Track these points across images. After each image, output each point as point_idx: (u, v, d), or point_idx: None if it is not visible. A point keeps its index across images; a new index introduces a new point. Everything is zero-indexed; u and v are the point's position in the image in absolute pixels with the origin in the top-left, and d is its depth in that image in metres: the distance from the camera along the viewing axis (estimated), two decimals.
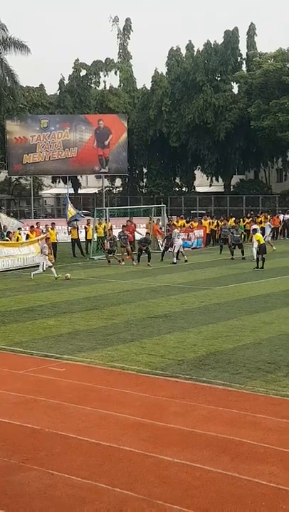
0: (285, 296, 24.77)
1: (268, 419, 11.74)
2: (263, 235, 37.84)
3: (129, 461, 10.00)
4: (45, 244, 32.88)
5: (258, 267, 32.87)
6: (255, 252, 33.87)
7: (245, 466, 9.77)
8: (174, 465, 9.84)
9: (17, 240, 36.64)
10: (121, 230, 39.21)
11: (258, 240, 33.45)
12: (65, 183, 76.44)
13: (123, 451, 10.36)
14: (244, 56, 78.06)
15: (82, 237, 42.32)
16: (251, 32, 79.38)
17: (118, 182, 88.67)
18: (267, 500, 8.73)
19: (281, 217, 53.31)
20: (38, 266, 32.39)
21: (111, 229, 39.22)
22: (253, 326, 19.45)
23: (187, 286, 27.63)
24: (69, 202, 43.98)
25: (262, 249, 33.28)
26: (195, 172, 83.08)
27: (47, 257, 31.67)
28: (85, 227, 42.64)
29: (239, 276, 30.88)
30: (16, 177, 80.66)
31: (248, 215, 52.43)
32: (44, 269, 31.32)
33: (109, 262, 36.90)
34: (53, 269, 30.91)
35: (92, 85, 79.65)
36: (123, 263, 36.42)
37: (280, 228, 52.47)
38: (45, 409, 12.45)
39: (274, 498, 8.80)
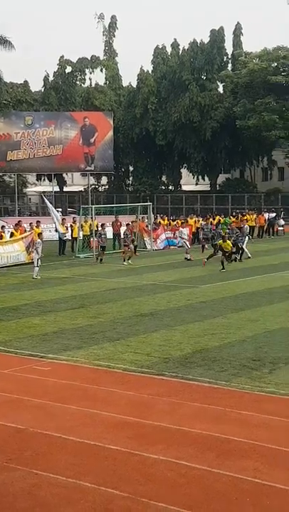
0: (270, 294, 24.84)
1: (253, 415, 11.77)
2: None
3: (115, 460, 9.99)
4: (39, 240, 32.55)
5: (223, 268, 31.99)
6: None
7: (230, 462, 9.79)
8: (160, 463, 9.84)
9: (0, 238, 36.27)
10: (126, 228, 38.32)
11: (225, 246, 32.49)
12: (50, 180, 76.31)
13: (108, 450, 10.35)
14: (230, 55, 78.17)
15: (68, 235, 42.10)
16: (237, 31, 79.56)
17: (104, 180, 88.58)
18: (251, 496, 8.76)
19: (266, 215, 53.44)
20: (21, 264, 32.01)
21: (103, 226, 38.74)
22: (238, 324, 19.50)
23: (173, 285, 27.65)
24: (52, 209, 43.26)
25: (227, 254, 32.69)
26: (181, 171, 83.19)
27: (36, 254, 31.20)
28: (71, 226, 42.52)
29: (225, 274, 30.92)
30: (0, 174, 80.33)
31: (234, 213, 52.53)
32: (38, 264, 30.98)
33: (98, 259, 36.50)
34: (36, 268, 30.74)
35: (78, 82, 79.46)
36: (130, 262, 35.60)
37: (265, 227, 52.61)
38: (30, 409, 12.42)
39: (258, 493, 8.82)
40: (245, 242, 37.30)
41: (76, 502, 8.68)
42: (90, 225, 41.46)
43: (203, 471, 9.52)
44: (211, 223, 45.18)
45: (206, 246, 39.67)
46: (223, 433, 10.92)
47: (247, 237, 38.74)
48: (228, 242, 32.57)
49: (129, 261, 35.60)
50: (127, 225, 39.07)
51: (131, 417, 11.77)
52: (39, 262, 30.89)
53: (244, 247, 36.78)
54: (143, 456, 10.10)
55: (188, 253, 37.23)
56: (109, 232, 41.00)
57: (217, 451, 10.21)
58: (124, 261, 35.62)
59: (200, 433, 10.96)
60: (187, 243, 38.57)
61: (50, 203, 47.36)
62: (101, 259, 36.66)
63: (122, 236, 37.89)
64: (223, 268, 31.66)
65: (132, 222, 41.97)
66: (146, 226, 44.22)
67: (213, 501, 8.62)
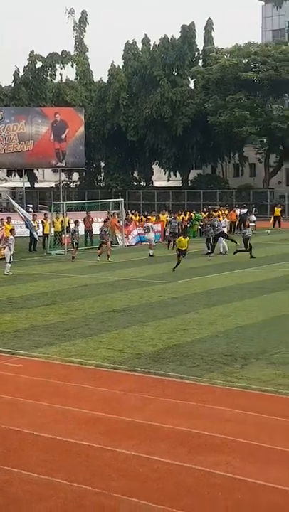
0: (242, 290, 24.95)
1: (225, 410, 11.82)
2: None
3: (87, 456, 9.98)
4: (11, 236, 32.27)
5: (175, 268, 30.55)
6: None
7: (202, 457, 9.83)
8: (132, 458, 9.86)
9: None
10: (103, 224, 38.01)
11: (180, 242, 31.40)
12: (21, 176, 75.90)
13: (81, 446, 10.34)
14: (201, 51, 78.31)
15: (39, 231, 41.83)
16: (208, 27, 79.66)
17: (75, 176, 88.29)
18: (223, 490, 8.80)
19: (238, 211, 53.59)
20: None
21: (76, 222, 38.50)
22: (210, 319, 19.57)
23: (145, 281, 27.66)
24: (18, 208, 42.86)
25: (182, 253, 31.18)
26: (153, 166, 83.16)
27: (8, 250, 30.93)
28: (42, 222, 42.31)
29: (197, 270, 31.00)
30: None
31: (204, 209, 52.63)
32: (10, 261, 30.69)
33: (73, 257, 36.24)
34: (8, 265, 30.52)
35: (48, 78, 79.14)
36: (111, 260, 34.97)
37: (236, 223, 52.68)
38: (1, 405, 12.36)
39: (230, 487, 8.87)
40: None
41: (48, 498, 8.67)
42: (62, 221, 41.29)
43: (175, 466, 9.55)
44: (183, 219, 45.28)
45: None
46: (195, 428, 10.96)
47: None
48: (184, 240, 31.41)
49: (109, 259, 35.01)
50: (105, 221, 38.78)
51: (103, 413, 11.77)
52: (11, 259, 30.74)
53: (223, 241, 37.01)
54: (115, 451, 10.11)
55: (151, 249, 37.21)
56: (81, 229, 40.75)
57: (189, 446, 10.25)
58: (99, 256, 35.33)
59: (172, 428, 10.99)
60: (153, 240, 38.44)
61: (20, 199, 47.05)
62: (73, 257, 36.34)
63: (100, 232, 37.34)
64: (175, 267, 30.44)
65: (110, 217, 41.96)
66: (118, 222, 44.15)
67: (186, 496, 8.66)
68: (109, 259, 34.93)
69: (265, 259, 33.93)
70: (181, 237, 32.09)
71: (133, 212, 52.28)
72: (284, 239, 45.23)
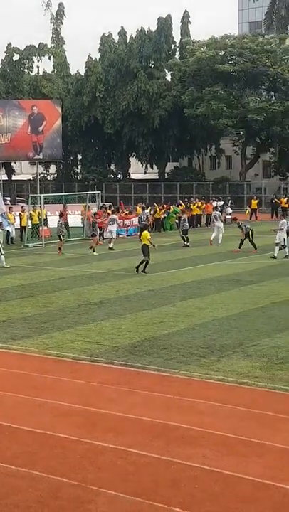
0: (219, 282, 25.05)
1: (202, 403, 11.89)
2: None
3: (64, 448, 10.01)
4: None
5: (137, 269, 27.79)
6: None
7: (179, 449, 9.89)
8: (109, 451, 9.89)
9: None
10: (93, 217, 37.54)
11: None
12: None
13: (58, 438, 10.36)
14: (178, 44, 78.25)
15: (16, 224, 41.63)
16: (185, 19, 79.62)
17: (53, 168, 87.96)
18: (200, 482, 8.87)
19: (214, 203, 53.67)
20: None
21: (61, 215, 38.23)
22: (187, 312, 19.64)
23: (122, 273, 27.68)
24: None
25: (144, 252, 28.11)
26: (130, 159, 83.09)
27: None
28: (20, 214, 42.13)
29: (174, 262, 31.07)
30: None
31: (180, 202, 52.68)
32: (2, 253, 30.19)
33: (59, 249, 35.68)
34: (2, 258, 30.10)
35: (26, 70, 78.73)
36: (95, 253, 34.48)
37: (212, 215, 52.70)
38: None
39: (207, 480, 8.94)
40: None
41: (25, 490, 8.69)
42: (39, 213, 41.17)
43: (152, 459, 9.60)
44: (156, 212, 45.84)
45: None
46: (172, 420, 11.01)
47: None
48: (146, 233, 29.10)
49: (94, 251, 34.65)
50: (95, 214, 38.38)
51: (80, 406, 11.79)
52: (2, 251, 30.37)
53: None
54: (92, 444, 10.14)
55: (111, 242, 36.93)
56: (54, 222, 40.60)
57: (166, 439, 10.30)
58: (93, 250, 34.81)
59: (149, 421, 11.04)
60: (114, 233, 38.09)
61: None
62: (59, 248, 35.75)
63: (57, 225, 36.90)
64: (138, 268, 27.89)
65: (99, 208, 41.87)
66: (94, 215, 43.99)
67: (162, 488, 8.71)
68: (95, 253, 34.53)
69: (241, 252, 34.03)
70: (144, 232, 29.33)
71: (109, 206, 52.01)
72: (260, 231, 45.34)
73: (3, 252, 30.22)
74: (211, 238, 37.60)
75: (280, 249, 31.60)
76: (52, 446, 10.07)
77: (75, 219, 44.86)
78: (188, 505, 8.25)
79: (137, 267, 27.60)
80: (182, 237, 37.34)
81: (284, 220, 33.52)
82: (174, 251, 35.24)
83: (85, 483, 8.85)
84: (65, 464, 9.46)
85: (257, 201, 58.58)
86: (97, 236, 36.30)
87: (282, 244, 31.62)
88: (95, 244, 35.30)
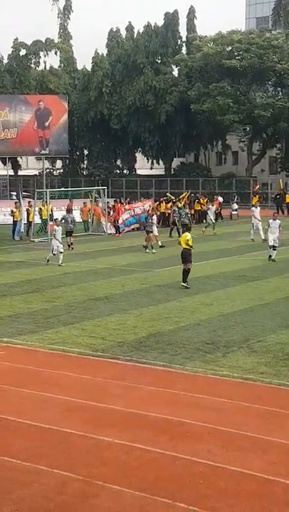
0: (224, 278, 25.05)
1: (206, 398, 11.91)
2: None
3: (69, 443, 10.05)
4: None
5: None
6: None
7: (183, 445, 9.91)
8: (114, 446, 9.93)
9: None
10: (147, 213, 36.25)
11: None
12: (5, 164, 75.59)
13: (63, 433, 10.40)
14: (184, 39, 78.09)
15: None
16: (191, 15, 79.43)
17: (59, 164, 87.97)
18: (205, 478, 8.89)
19: (220, 199, 53.60)
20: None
21: (69, 210, 38.08)
22: (192, 308, 19.65)
23: (128, 269, 27.69)
24: None
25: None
26: (136, 154, 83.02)
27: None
28: (27, 210, 42.13)
29: (179, 258, 30.93)
30: None
31: (199, 196, 52.52)
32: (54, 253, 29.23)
33: (69, 246, 35.32)
34: (61, 256, 29.06)
35: (32, 65, 78.74)
36: (154, 250, 32.98)
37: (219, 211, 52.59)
38: None
39: (212, 475, 8.96)
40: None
41: (30, 485, 8.73)
42: (47, 209, 41.20)
43: (157, 454, 9.63)
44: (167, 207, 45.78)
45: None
46: (177, 416, 11.04)
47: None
48: (187, 234, 25.68)
49: (153, 250, 33.11)
50: (148, 211, 36.76)
51: (85, 401, 11.83)
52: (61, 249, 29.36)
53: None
54: (97, 439, 10.17)
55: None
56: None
57: (171, 434, 10.32)
58: (147, 249, 33.24)
59: (154, 416, 11.07)
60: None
61: (4, 187, 46.87)
62: (71, 243, 35.44)
63: (146, 221, 35.42)
64: None
65: (150, 204, 41.83)
66: (103, 210, 44.04)
67: (167, 484, 8.73)
68: (150, 250, 33.06)
69: (247, 248, 34.03)
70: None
71: (116, 200, 52.06)
72: (264, 227, 45.27)
73: (62, 251, 29.09)
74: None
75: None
76: (57, 441, 10.11)
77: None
78: (192, 501, 8.27)
79: (185, 280, 23.17)
80: (177, 230, 37.49)
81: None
82: (180, 246, 35.10)
83: (90, 478, 8.88)
84: (70, 458, 9.50)
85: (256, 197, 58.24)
86: (153, 233, 34.30)
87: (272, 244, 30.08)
88: (147, 242, 33.61)
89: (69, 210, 38.72)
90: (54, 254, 28.78)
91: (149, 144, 76.59)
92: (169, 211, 45.19)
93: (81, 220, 43.43)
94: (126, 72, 75.13)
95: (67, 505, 8.26)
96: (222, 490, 8.57)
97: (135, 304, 20.29)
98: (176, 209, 40.84)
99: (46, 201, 41.95)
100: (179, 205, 42.17)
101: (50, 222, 39.38)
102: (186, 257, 23.48)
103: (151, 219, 34.93)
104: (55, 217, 36.80)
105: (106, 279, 25.19)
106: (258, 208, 37.87)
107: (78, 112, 77.56)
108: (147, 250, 33.14)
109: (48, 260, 29.11)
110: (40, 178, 73.35)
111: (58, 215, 38.82)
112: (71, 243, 34.98)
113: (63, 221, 35.37)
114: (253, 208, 38.17)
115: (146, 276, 25.67)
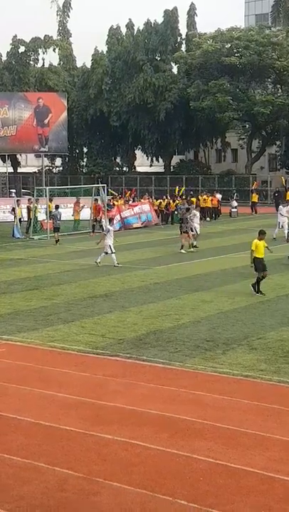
0: (224, 275, 25.05)
1: (207, 395, 11.91)
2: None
3: (69, 440, 10.04)
4: None
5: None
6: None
7: (183, 442, 9.91)
8: (114, 443, 9.92)
9: None
10: (184, 212, 34.91)
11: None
12: (4, 161, 75.59)
13: (63, 431, 10.40)
14: (184, 36, 78.02)
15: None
16: (191, 12, 79.39)
17: (58, 161, 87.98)
18: (205, 475, 8.89)
19: (218, 196, 53.57)
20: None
21: (57, 207, 38.17)
22: (192, 305, 19.64)
23: (127, 266, 27.66)
24: None
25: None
26: (135, 152, 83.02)
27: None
28: (28, 207, 42.10)
29: (179, 255, 31.04)
30: None
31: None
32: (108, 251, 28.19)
33: (56, 241, 35.55)
34: (113, 256, 27.99)
35: (31, 63, 78.70)
36: (192, 249, 32.25)
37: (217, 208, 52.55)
38: None
39: (211, 472, 8.96)
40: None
41: (31, 482, 8.73)
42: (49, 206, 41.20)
43: (157, 451, 9.63)
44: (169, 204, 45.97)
45: None
46: (177, 413, 11.03)
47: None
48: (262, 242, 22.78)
49: (192, 248, 32.37)
50: (187, 209, 35.48)
51: (85, 398, 11.83)
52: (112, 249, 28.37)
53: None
54: (98, 436, 10.17)
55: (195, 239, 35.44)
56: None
57: (171, 431, 10.32)
58: (182, 249, 32.18)
59: (154, 413, 11.07)
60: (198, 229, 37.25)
61: (4, 184, 46.92)
62: (57, 240, 36.06)
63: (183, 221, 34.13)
64: None
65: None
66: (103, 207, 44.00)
67: (167, 480, 8.73)
68: (186, 250, 32.13)
69: (247, 245, 33.90)
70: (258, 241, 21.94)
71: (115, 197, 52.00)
72: (263, 225, 45.25)
73: (114, 251, 28.16)
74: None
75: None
76: (57, 439, 10.10)
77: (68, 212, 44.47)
78: (192, 498, 8.27)
79: (256, 287, 21.31)
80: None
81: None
82: (180, 244, 35.13)
83: (90, 475, 8.88)
84: (71, 456, 9.50)
85: (256, 195, 58.23)
86: (190, 232, 33.35)
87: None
88: (184, 241, 32.71)
89: (57, 207, 38.62)
90: (106, 253, 27.99)
91: (149, 142, 76.61)
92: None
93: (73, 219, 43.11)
94: (125, 69, 75.09)
95: (67, 502, 8.25)
96: (222, 487, 8.57)
97: (135, 302, 20.29)
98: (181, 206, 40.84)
99: (48, 199, 41.89)
100: (178, 202, 42.30)
101: (50, 220, 39.39)
102: (258, 265, 21.51)
103: (188, 218, 33.82)
104: (53, 214, 37.10)
105: (105, 277, 25.18)
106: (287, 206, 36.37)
107: (78, 109, 77.56)
108: (182, 250, 31.95)
109: (98, 262, 27.79)
110: (40, 175, 73.34)
111: (63, 212, 39.09)
112: (57, 240, 35.90)
113: (53, 218, 35.82)
114: (281, 207, 37.12)
115: (146, 274, 25.66)
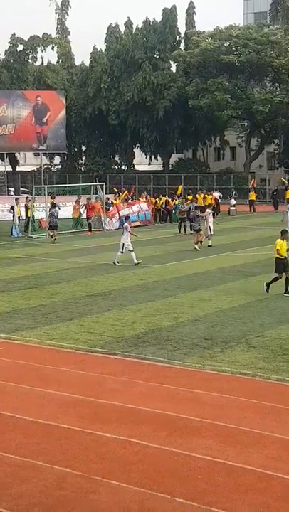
0: (223, 274, 25.05)
1: (205, 394, 11.92)
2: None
3: (68, 439, 10.05)
4: None
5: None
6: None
7: (182, 440, 9.92)
8: (113, 441, 9.93)
9: None
10: (195, 210, 35.23)
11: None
12: (3, 160, 75.56)
13: (61, 429, 10.40)
14: (182, 35, 77.96)
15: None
16: (190, 10, 79.38)
17: (57, 160, 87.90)
18: (203, 473, 8.90)
19: (216, 194, 53.54)
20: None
21: (54, 205, 38.20)
22: (190, 303, 19.65)
23: (126, 264, 27.65)
24: None
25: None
26: (134, 150, 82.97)
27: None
28: (26, 205, 42.07)
29: (178, 254, 31.06)
30: None
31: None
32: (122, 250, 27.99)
33: (53, 239, 35.60)
34: (133, 254, 27.71)
35: (30, 61, 78.64)
36: (212, 244, 32.76)
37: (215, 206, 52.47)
38: None
39: (210, 470, 8.97)
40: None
41: (29, 480, 8.73)
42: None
43: (155, 449, 9.64)
44: (168, 202, 46.00)
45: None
46: (176, 411, 11.04)
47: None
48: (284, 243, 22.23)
49: (196, 246, 32.42)
50: (196, 208, 35.66)
51: (84, 396, 11.83)
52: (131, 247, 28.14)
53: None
54: (96, 434, 10.17)
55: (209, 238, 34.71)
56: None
57: (169, 430, 10.33)
58: (196, 244, 32.46)
59: (153, 412, 11.07)
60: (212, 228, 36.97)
61: (2, 182, 46.94)
62: (55, 239, 36.22)
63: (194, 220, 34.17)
64: None
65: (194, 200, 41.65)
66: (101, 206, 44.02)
67: (165, 479, 8.74)
68: (197, 247, 32.29)
69: (245, 243, 34.03)
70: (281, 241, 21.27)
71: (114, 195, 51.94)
72: (262, 223, 45.32)
73: (132, 249, 27.79)
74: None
75: None
76: (56, 437, 10.11)
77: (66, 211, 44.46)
78: (191, 496, 8.28)
79: (268, 284, 21.06)
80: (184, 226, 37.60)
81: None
82: (178, 242, 35.20)
83: (88, 473, 8.89)
84: (69, 454, 9.50)
85: (254, 193, 58.21)
86: (203, 231, 33.25)
87: None
88: (198, 238, 32.75)
89: (54, 205, 38.59)
90: (122, 252, 27.74)
91: (147, 140, 76.59)
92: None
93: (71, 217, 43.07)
94: (124, 67, 75.07)
95: (66, 500, 8.26)
96: (221, 485, 8.58)
97: (134, 300, 20.29)
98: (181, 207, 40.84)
99: (51, 196, 41.90)
100: (177, 201, 42.28)
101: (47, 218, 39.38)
102: (279, 266, 21.04)
103: (199, 216, 33.90)
104: (50, 212, 37.19)
105: (104, 275, 25.19)
106: None
107: (76, 107, 77.51)
108: (197, 247, 32.07)
109: (116, 262, 27.54)
110: (38, 174, 73.32)
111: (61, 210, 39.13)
112: (55, 238, 36.12)
113: (50, 216, 35.89)
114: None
115: (145, 272, 25.66)
